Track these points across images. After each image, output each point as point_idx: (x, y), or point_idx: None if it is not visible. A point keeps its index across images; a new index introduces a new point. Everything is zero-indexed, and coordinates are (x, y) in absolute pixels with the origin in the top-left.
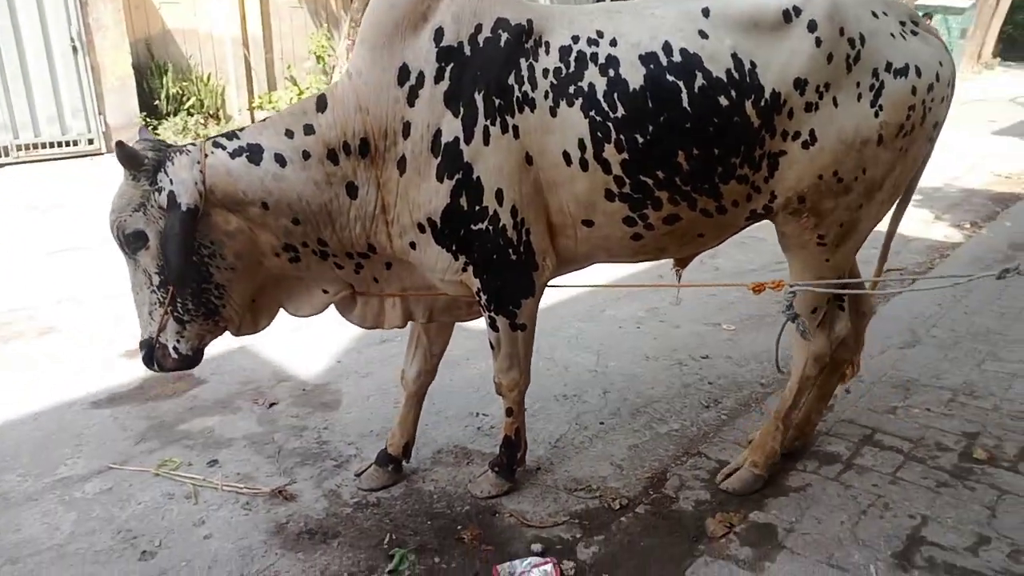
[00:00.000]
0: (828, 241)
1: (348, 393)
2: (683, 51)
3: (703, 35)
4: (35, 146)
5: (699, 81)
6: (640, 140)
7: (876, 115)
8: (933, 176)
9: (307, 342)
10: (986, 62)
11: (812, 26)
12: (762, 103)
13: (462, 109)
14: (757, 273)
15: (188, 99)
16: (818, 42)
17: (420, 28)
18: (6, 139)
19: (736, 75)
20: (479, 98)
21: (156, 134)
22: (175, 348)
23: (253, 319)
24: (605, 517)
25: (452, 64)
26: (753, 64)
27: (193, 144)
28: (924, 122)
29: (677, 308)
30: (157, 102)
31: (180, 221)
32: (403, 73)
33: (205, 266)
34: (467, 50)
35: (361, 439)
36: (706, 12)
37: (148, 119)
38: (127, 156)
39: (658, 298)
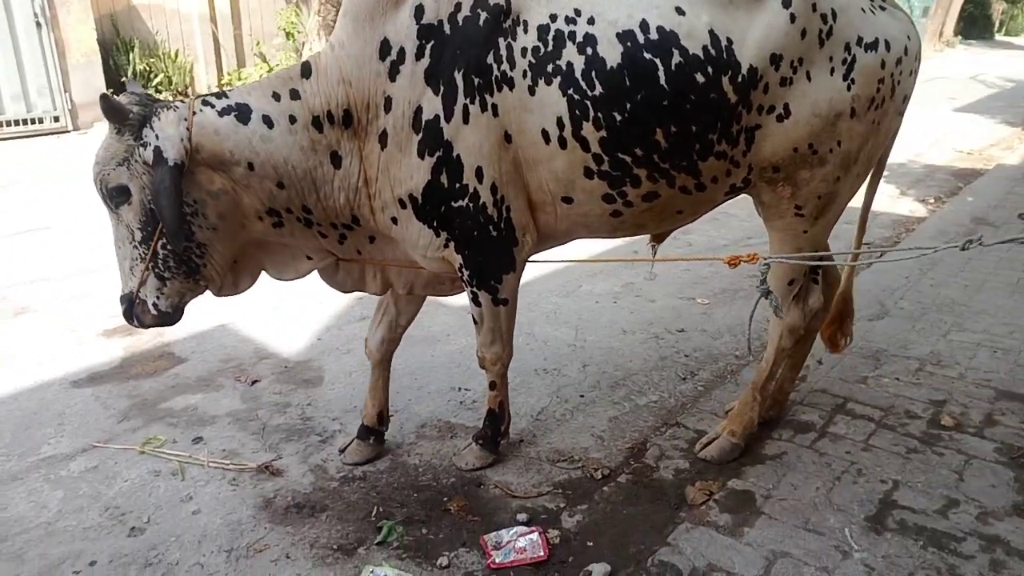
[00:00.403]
0: (806, 212)
1: (330, 370)
2: (660, 28)
3: (680, 12)
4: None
5: (676, 58)
6: (618, 118)
7: (848, 88)
8: (897, 152)
9: (287, 320)
10: (947, 40)
11: (786, 2)
12: (739, 79)
13: (442, 87)
14: (729, 247)
15: (156, 76)
16: (792, 18)
17: (401, 4)
18: None
19: (713, 51)
20: (459, 76)
21: None
22: (155, 304)
23: (234, 280)
24: (588, 487)
25: (432, 42)
26: (730, 40)
27: (182, 100)
28: (894, 95)
29: (652, 283)
30: (124, 79)
31: (169, 175)
32: (384, 47)
33: (187, 224)
34: (447, 28)
35: (345, 414)
36: None
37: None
38: (112, 109)
39: (633, 273)
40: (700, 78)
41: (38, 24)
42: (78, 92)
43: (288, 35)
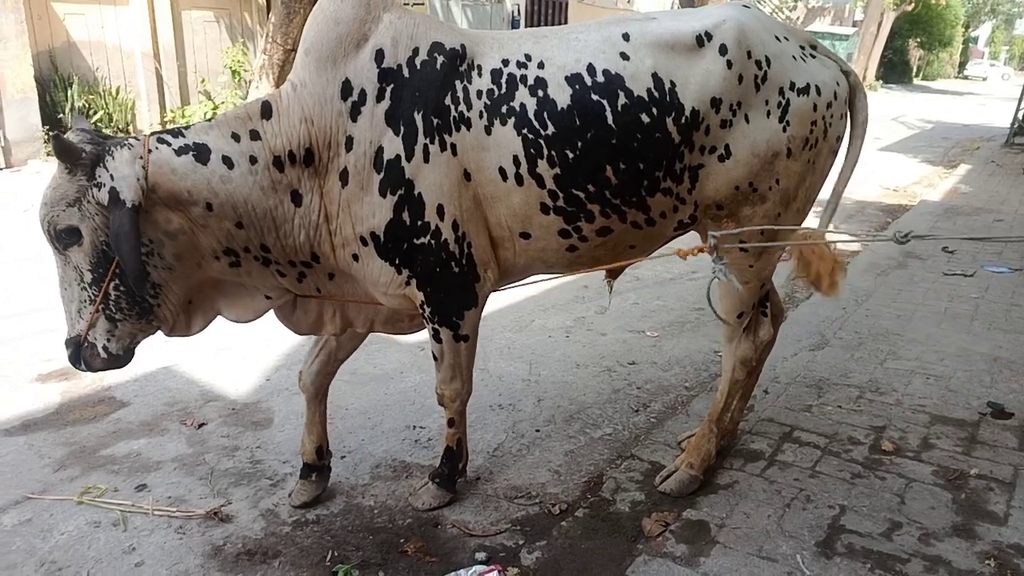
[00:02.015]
0: (749, 248)
1: (279, 411)
2: (606, 72)
3: (624, 57)
4: None
5: (622, 100)
6: (570, 155)
7: (784, 130)
8: (828, 189)
9: (235, 361)
10: (870, 84)
11: (723, 49)
12: (682, 120)
13: (402, 128)
14: (675, 281)
15: (95, 112)
16: (729, 64)
17: (362, 46)
18: None
19: (656, 93)
20: (419, 117)
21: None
22: (104, 347)
23: (187, 320)
24: (546, 522)
25: (392, 85)
26: (672, 83)
27: (135, 138)
28: (827, 135)
29: (603, 317)
30: (61, 116)
31: (128, 218)
32: (346, 88)
33: (142, 265)
34: (406, 72)
35: (296, 457)
36: (626, 36)
37: (51, 133)
38: (63, 148)
39: (584, 307)
40: (645, 118)
41: None
42: (12, 129)
43: (234, 73)
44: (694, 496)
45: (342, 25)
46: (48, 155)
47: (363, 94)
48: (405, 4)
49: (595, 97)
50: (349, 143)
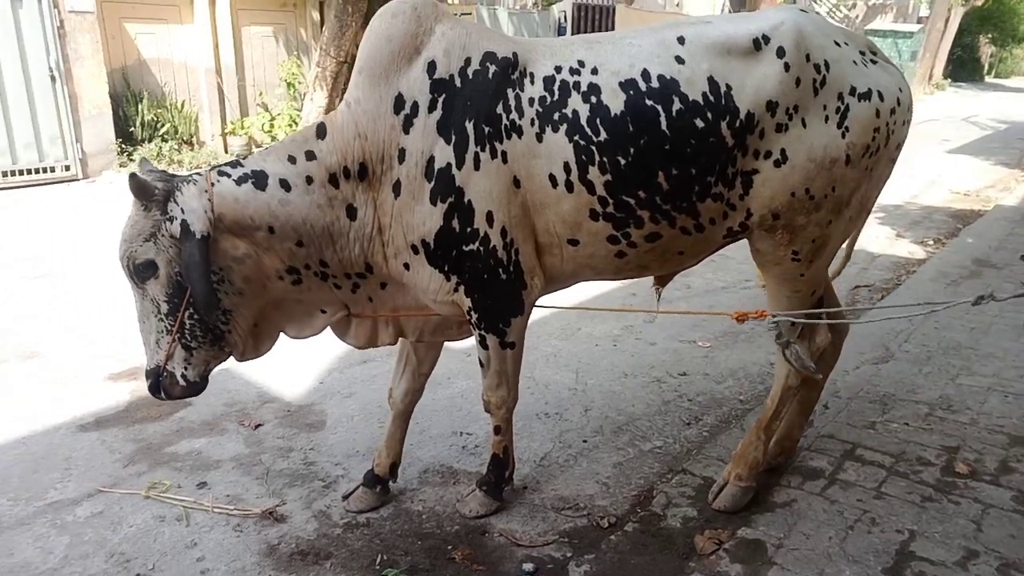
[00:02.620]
0: (802, 256)
1: (332, 414)
2: (660, 77)
3: (679, 61)
4: (12, 172)
5: (676, 105)
6: (622, 162)
7: (843, 136)
8: (894, 194)
9: (290, 363)
10: (937, 83)
11: (781, 52)
12: (737, 124)
13: (454, 137)
14: (728, 291)
15: (163, 126)
16: (787, 67)
17: (414, 60)
18: None
19: (712, 97)
20: (470, 126)
21: (132, 160)
22: (183, 375)
23: (255, 343)
24: (594, 535)
25: (444, 95)
26: (728, 87)
27: (198, 173)
28: (888, 143)
29: (652, 325)
30: (132, 129)
31: (199, 248)
32: (399, 102)
33: (214, 292)
34: (458, 82)
35: (347, 459)
36: (681, 40)
37: (123, 145)
38: (139, 187)
39: (632, 316)
40: (700, 123)
41: (52, 78)
42: (89, 142)
43: (289, 85)
44: (749, 513)
45: (394, 42)
46: (120, 166)
47: (415, 106)
48: (454, 15)
49: (649, 102)
50: (402, 155)
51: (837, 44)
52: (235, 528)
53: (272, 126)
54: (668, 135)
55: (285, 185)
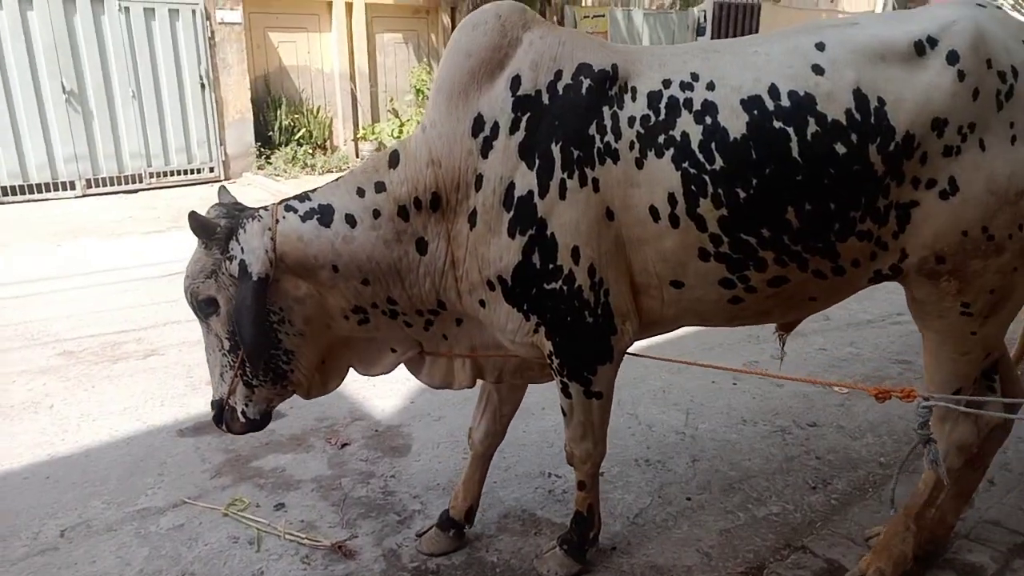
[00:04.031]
0: (975, 310)
1: (418, 438)
2: (792, 93)
3: (818, 71)
4: (165, 173)
5: (812, 127)
6: (742, 195)
7: None
8: None
9: (383, 380)
10: None
11: (953, 58)
12: (890, 147)
13: (537, 161)
14: (874, 326)
15: (299, 130)
16: (961, 75)
17: (496, 76)
18: (141, 166)
19: (858, 116)
20: (556, 149)
21: (268, 163)
22: (243, 412)
23: (322, 381)
24: None
25: (529, 114)
26: (881, 101)
27: (266, 209)
28: None
29: (779, 364)
30: (271, 133)
31: (252, 292)
32: (478, 124)
33: (274, 332)
34: (545, 98)
35: (427, 492)
36: (821, 46)
37: (262, 149)
38: (200, 225)
39: (758, 350)
40: (841, 148)
41: (203, 86)
42: (232, 146)
43: (418, 92)
44: None
45: (474, 57)
46: (259, 168)
47: (496, 127)
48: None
49: (778, 124)
50: (479, 182)
51: None
52: (303, 560)
53: (401, 132)
54: (800, 163)
55: (351, 221)
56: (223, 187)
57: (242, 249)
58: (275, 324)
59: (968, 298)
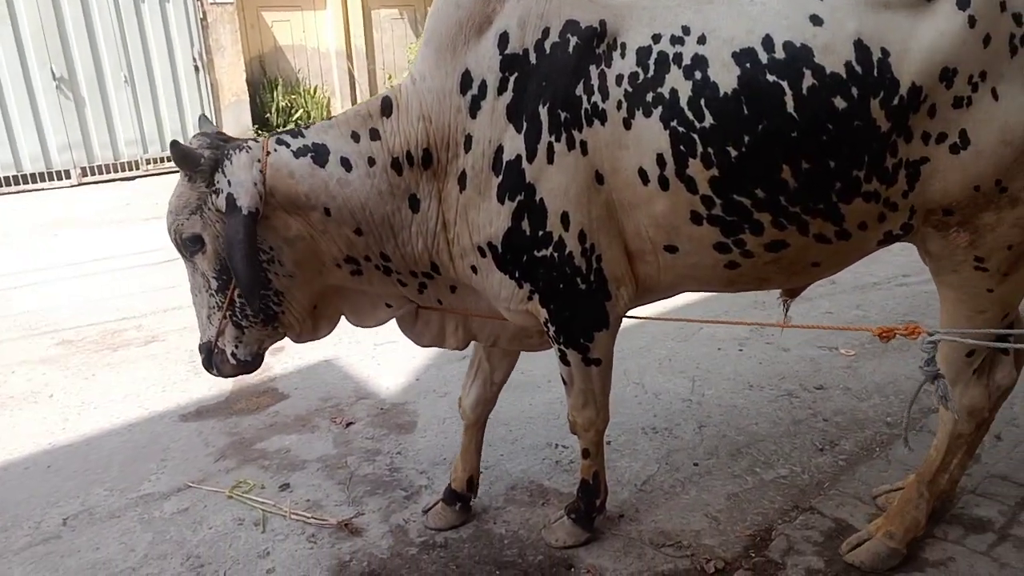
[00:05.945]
0: (991, 267)
1: (423, 415)
2: (787, 44)
3: (816, 21)
4: (161, 160)
5: (808, 80)
6: (733, 154)
7: None
8: None
9: (389, 357)
10: None
11: (963, 1)
12: (894, 101)
13: (525, 124)
14: (880, 288)
15: (296, 111)
16: (972, 20)
17: (485, 31)
18: (137, 153)
19: (859, 68)
20: (544, 111)
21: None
22: (233, 354)
23: (313, 326)
24: None
25: (516, 74)
26: (884, 52)
27: (255, 139)
28: None
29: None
30: (268, 115)
31: (243, 226)
32: (465, 80)
33: (264, 272)
34: (532, 58)
35: (433, 467)
36: None
37: (260, 131)
38: (182, 155)
39: (763, 315)
40: (841, 102)
41: (196, 68)
42: (228, 128)
43: None
44: (891, 572)
45: (463, 8)
46: None
47: (483, 86)
48: None
49: (771, 78)
50: (468, 143)
51: None
52: (309, 538)
53: None
54: (796, 119)
55: (346, 164)
56: (204, 115)
57: (229, 182)
58: (265, 263)
59: (982, 252)
